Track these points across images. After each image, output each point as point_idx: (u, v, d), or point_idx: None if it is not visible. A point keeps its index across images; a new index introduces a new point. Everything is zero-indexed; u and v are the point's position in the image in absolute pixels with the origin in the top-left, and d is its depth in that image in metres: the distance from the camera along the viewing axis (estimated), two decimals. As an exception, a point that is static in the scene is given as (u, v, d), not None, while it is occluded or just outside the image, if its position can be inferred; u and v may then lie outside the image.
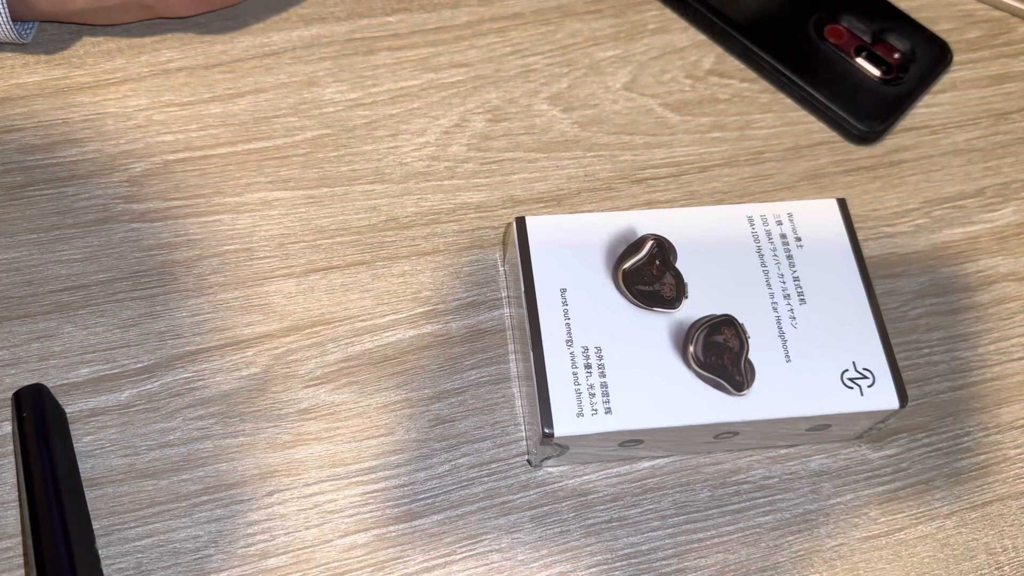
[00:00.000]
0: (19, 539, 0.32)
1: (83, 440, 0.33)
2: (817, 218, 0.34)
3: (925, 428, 0.36)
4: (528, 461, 0.34)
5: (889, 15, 0.43)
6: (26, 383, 0.34)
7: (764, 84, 0.42)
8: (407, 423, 0.34)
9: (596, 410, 0.30)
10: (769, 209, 0.34)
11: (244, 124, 0.39)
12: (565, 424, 0.30)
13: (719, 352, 0.31)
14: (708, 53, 0.43)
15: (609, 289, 0.32)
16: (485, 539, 0.33)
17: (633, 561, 0.33)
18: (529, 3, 0.43)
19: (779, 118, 0.42)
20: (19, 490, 0.32)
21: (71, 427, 0.33)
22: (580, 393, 0.30)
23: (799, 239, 0.33)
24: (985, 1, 0.45)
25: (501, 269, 0.37)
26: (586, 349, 0.31)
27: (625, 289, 0.32)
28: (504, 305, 0.37)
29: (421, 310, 0.36)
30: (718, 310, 0.32)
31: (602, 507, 0.34)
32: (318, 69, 0.41)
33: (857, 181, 0.40)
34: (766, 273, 0.33)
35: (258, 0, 0.42)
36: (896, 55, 0.42)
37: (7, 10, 0.36)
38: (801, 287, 0.32)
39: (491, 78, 0.41)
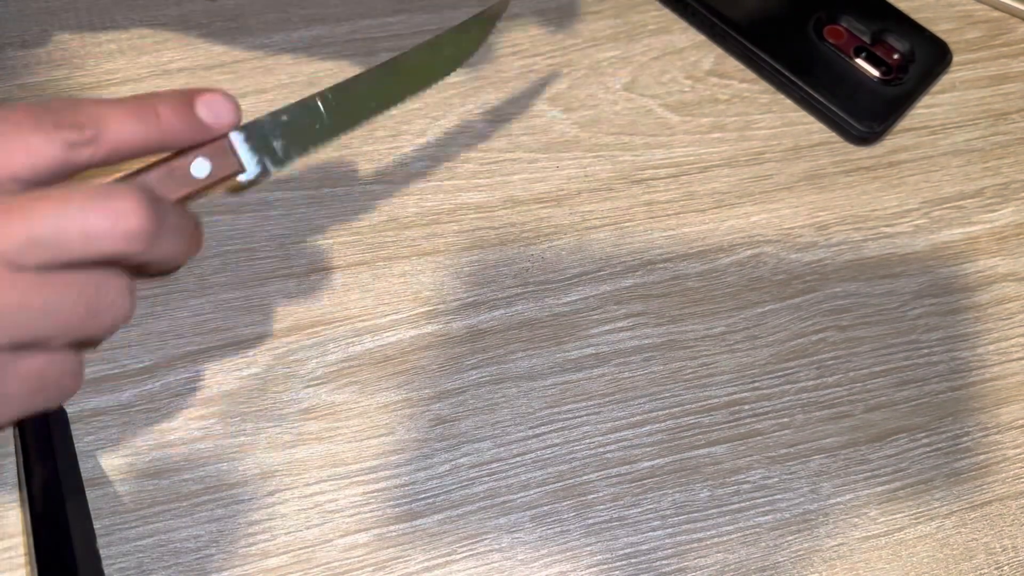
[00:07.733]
0: (20, 539, 0.32)
1: (84, 440, 0.33)
2: None
3: (925, 428, 0.36)
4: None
5: (889, 15, 0.43)
6: (27, 383, 0.34)
7: (764, 84, 0.42)
8: (408, 423, 0.34)
9: None
10: None
11: (245, 124, 0.39)
12: None
13: None
14: (708, 53, 0.43)
15: None
16: (485, 539, 0.33)
17: (633, 561, 0.33)
18: (529, 3, 0.43)
19: (779, 118, 0.42)
20: (20, 490, 0.32)
21: (72, 427, 0.33)
22: None
23: None
24: (985, 1, 0.45)
25: None
26: None
27: None
28: (504, 305, 0.37)
29: (421, 310, 0.36)
30: None
31: (602, 507, 0.34)
32: (319, 70, 0.41)
33: (857, 181, 0.40)
34: None
35: (258, 0, 0.42)
36: (896, 55, 0.42)
37: None
38: None
39: (491, 78, 0.41)
